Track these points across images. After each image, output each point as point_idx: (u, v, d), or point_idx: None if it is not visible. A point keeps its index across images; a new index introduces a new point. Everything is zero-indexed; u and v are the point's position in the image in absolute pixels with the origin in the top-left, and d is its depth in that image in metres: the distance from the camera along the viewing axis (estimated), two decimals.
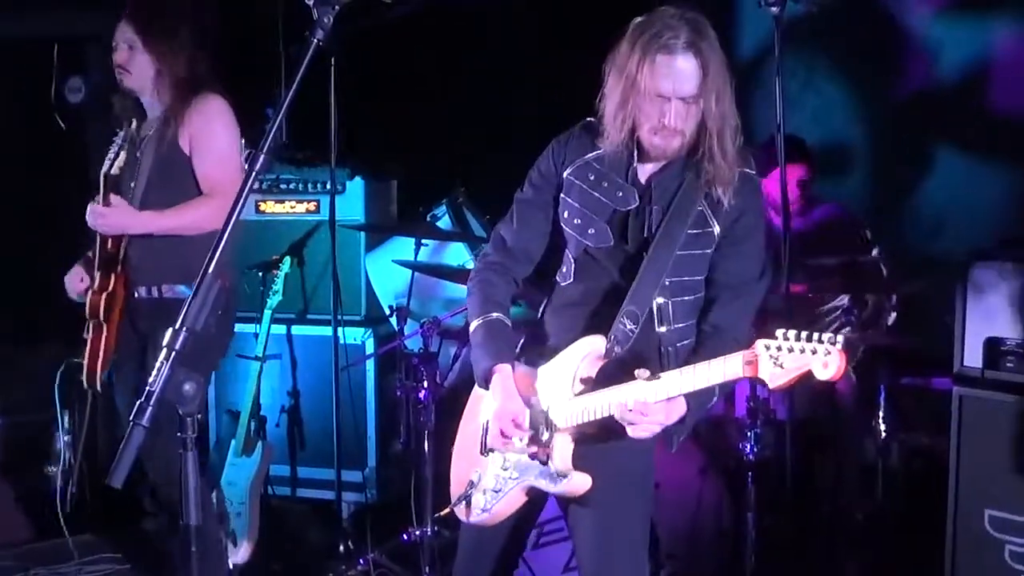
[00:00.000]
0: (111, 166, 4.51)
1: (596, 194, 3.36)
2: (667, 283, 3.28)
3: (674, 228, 3.27)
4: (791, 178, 5.46)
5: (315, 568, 5.55)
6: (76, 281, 4.68)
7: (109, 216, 4.47)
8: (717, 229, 3.29)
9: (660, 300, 3.30)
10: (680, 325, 3.35)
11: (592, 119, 3.40)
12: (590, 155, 3.40)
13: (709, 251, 3.32)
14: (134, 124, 4.62)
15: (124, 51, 4.57)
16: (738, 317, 3.37)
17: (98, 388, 4.56)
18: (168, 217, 4.50)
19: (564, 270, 3.47)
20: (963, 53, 6.13)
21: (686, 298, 3.34)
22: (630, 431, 3.14)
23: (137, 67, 4.56)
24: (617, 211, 3.34)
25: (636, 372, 3.11)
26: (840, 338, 2.74)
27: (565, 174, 3.42)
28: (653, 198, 3.31)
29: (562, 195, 3.43)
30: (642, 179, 3.35)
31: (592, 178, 3.38)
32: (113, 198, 4.47)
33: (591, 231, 3.36)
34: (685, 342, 3.36)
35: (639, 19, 3.23)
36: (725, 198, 3.25)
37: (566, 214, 3.41)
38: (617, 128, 3.27)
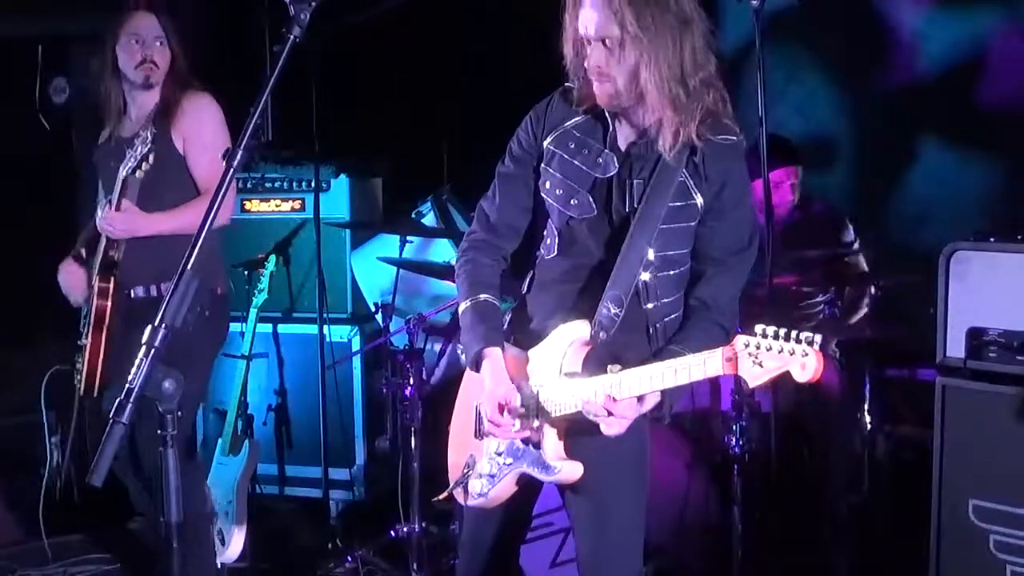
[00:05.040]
0: (135, 170, 4.45)
1: (576, 162, 3.31)
2: (652, 259, 3.24)
3: (656, 201, 3.21)
4: (787, 181, 5.47)
5: (304, 566, 5.56)
6: (76, 282, 4.67)
7: (120, 221, 4.46)
8: (700, 201, 3.23)
9: (645, 277, 3.25)
10: (667, 300, 3.31)
11: (569, 84, 3.35)
12: (569, 123, 3.34)
13: (693, 224, 3.27)
14: (152, 126, 4.58)
15: (155, 45, 4.57)
16: (725, 290, 3.32)
17: (95, 393, 4.54)
18: (174, 217, 4.52)
19: (548, 242, 3.41)
20: (948, 46, 6.13)
21: (671, 272, 3.30)
22: (602, 427, 3.13)
23: (162, 62, 4.58)
24: (598, 179, 3.29)
25: (609, 367, 3.11)
26: (818, 338, 2.73)
27: (545, 144, 3.37)
28: (633, 170, 3.26)
29: (543, 166, 3.38)
30: (621, 145, 3.29)
31: (572, 146, 3.33)
32: (124, 203, 4.45)
33: (573, 201, 3.31)
34: (672, 316, 3.33)
35: None
36: (670, 152, 3.18)
37: (547, 185, 3.36)
38: (577, 88, 3.29)
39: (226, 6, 6.62)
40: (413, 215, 6.02)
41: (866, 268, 5.57)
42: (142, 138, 4.44)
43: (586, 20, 3.14)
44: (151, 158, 4.40)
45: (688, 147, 3.20)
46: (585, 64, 3.20)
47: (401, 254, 5.60)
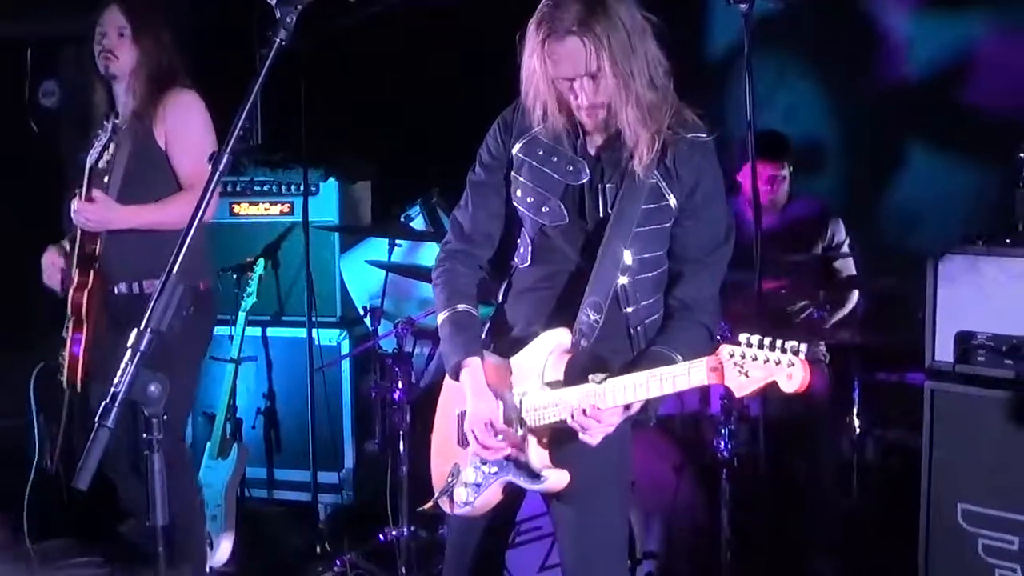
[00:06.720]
0: (98, 159, 4.46)
1: (546, 170, 3.29)
2: (629, 262, 3.23)
3: (629, 205, 3.20)
4: (763, 173, 5.45)
5: (292, 570, 5.55)
6: (53, 268, 4.65)
7: (92, 212, 4.45)
8: (673, 201, 3.22)
9: (623, 280, 3.24)
10: (646, 302, 3.30)
11: None
12: (537, 128, 3.31)
13: (668, 225, 3.26)
14: (113, 116, 4.58)
15: (114, 36, 4.56)
16: (705, 289, 3.31)
17: (78, 387, 4.53)
18: (150, 212, 4.50)
19: (522, 251, 3.40)
20: (936, 49, 6.14)
21: (649, 275, 3.29)
22: (582, 435, 3.12)
23: (123, 54, 4.57)
24: (569, 186, 3.28)
25: (590, 377, 3.09)
26: (803, 348, 2.72)
27: (514, 151, 3.34)
28: (605, 175, 3.25)
29: (512, 173, 3.35)
30: (591, 151, 3.28)
31: (541, 153, 3.30)
32: (96, 193, 4.44)
33: (545, 209, 3.29)
34: (653, 317, 3.32)
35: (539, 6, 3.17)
36: (647, 162, 3.17)
37: (518, 193, 3.34)
38: (540, 116, 3.24)
39: (216, 6, 6.60)
40: (402, 219, 6.02)
41: (854, 272, 5.57)
42: (105, 129, 4.46)
43: (567, 61, 3.10)
44: (111, 148, 4.40)
45: (659, 149, 3.19)
46: (574, 101, 3.16)
47: (390, 258, 5.60)
